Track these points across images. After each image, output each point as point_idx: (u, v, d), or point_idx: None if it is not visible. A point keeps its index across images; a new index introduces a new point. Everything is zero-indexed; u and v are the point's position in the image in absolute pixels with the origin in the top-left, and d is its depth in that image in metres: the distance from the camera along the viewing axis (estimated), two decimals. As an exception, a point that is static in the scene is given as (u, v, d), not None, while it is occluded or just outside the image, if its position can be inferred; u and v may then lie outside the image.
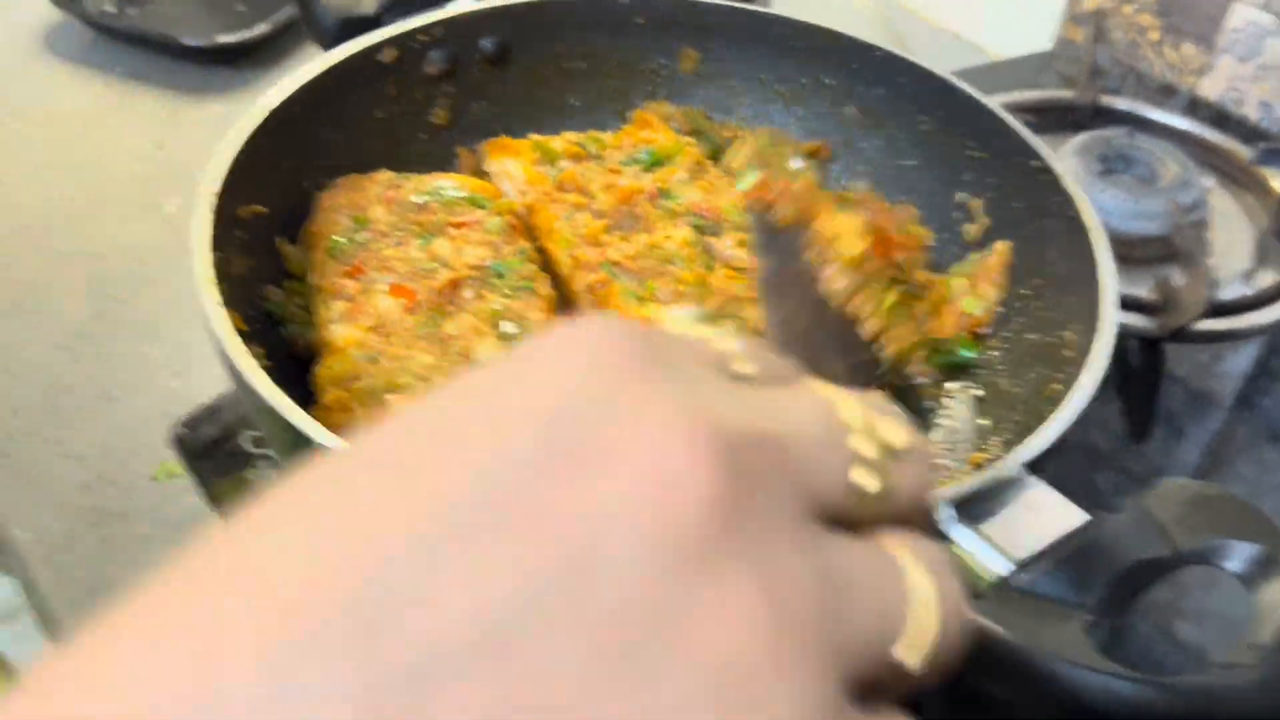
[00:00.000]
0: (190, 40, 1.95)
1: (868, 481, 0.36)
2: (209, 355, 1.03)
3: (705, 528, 0.29)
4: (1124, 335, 1.52)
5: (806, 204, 1.10)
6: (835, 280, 1.08)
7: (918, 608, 0.36)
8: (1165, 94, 2.04)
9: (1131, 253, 1.61)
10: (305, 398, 1.12)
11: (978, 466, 1.17)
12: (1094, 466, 1.47)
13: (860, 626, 0.34)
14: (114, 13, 2.04)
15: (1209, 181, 1.77)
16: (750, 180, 1.05)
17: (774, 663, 0.29)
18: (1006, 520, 0.97)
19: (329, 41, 1.39)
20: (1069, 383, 1.12)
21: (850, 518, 0.36)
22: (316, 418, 1.10)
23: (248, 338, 1.14)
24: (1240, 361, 1.60)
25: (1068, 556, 0.92)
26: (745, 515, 0.31)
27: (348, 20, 1.38)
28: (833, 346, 0.93)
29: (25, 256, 1.69)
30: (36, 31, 2.07)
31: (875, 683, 0.35)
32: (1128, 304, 1.51)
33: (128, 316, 1.64)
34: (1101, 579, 0.90)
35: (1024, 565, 0.93)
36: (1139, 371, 1.54)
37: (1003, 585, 0.89)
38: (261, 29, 1.95)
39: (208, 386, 1.51)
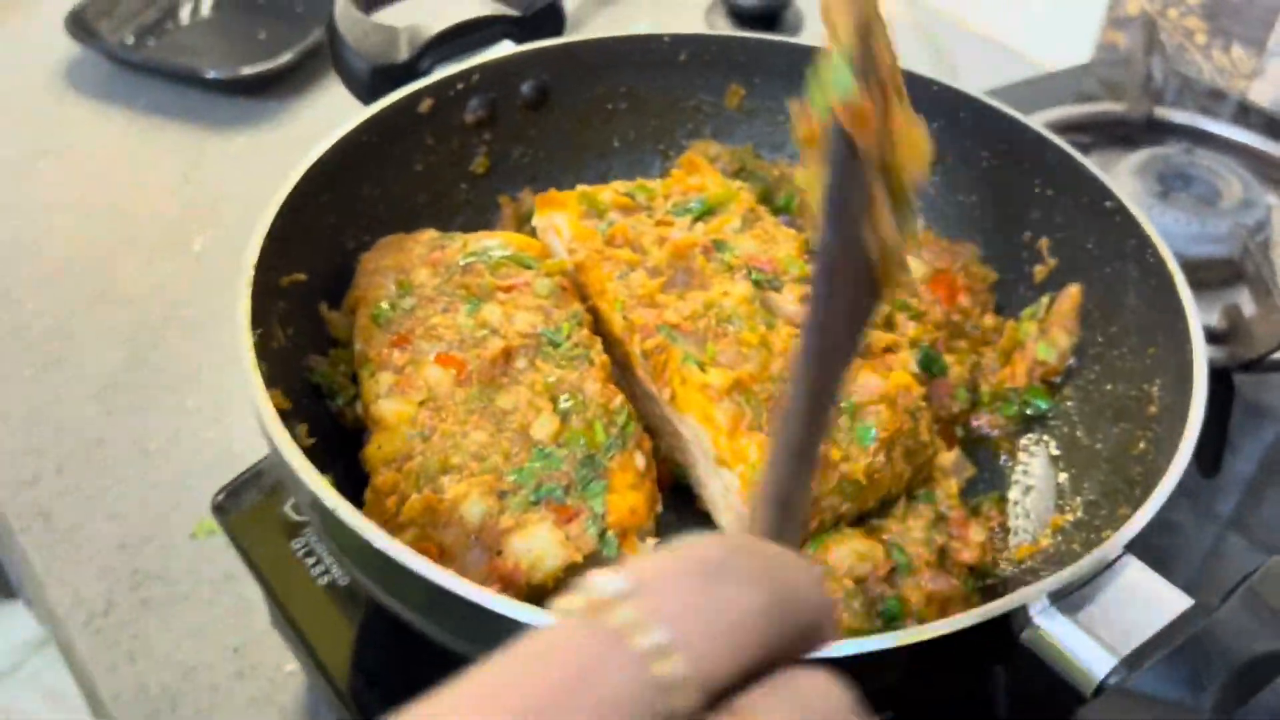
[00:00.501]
0: (213, 72, 1.91)
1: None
2: (246, 402, 0.99)
3: None
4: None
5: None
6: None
7: None
8: (1213, 99, 1.97)
9: (1195, 277, 1.53)
10: (355, 473, 1.07)
11: (1058, 530, 1.12)
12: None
13: None
14: (133, 45, 2.00)
15: (1272, 198, 1.70)
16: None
17: None
18: (1106, 609, 0.92)
19: (363, 91, 1.33)
20: (1158, 444, 1.07)
21: None
22: (369, 499, 1.06)
23: (292, 414, 1.10)
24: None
25: (1178, 649, 0.86)
26: None
27: (380, 68, 1.33)
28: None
29: (53, 305, 1.65)
30: (55, 67, 2.03)
31: None
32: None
33: (161, 363, 1.59)
34: (1217, 675, 0.85)
35: (1130, 661, 0.88)
36: (1208, 403, 1.48)
37: (1113, 688, 0.84)
38: (286, 58, 1.91)
39: (245, 436, 1.46)
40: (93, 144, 1.90)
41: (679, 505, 1.18)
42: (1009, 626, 0.87)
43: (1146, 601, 0.88)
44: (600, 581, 0.48)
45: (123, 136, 1.92)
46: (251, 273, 1.07)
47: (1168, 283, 1.12)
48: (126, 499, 1.43)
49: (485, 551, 0.97)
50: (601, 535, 0.99)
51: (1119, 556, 0.90)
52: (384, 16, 1.45)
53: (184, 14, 2.09)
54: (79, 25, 1.94)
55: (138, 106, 1.97)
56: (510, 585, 0.95)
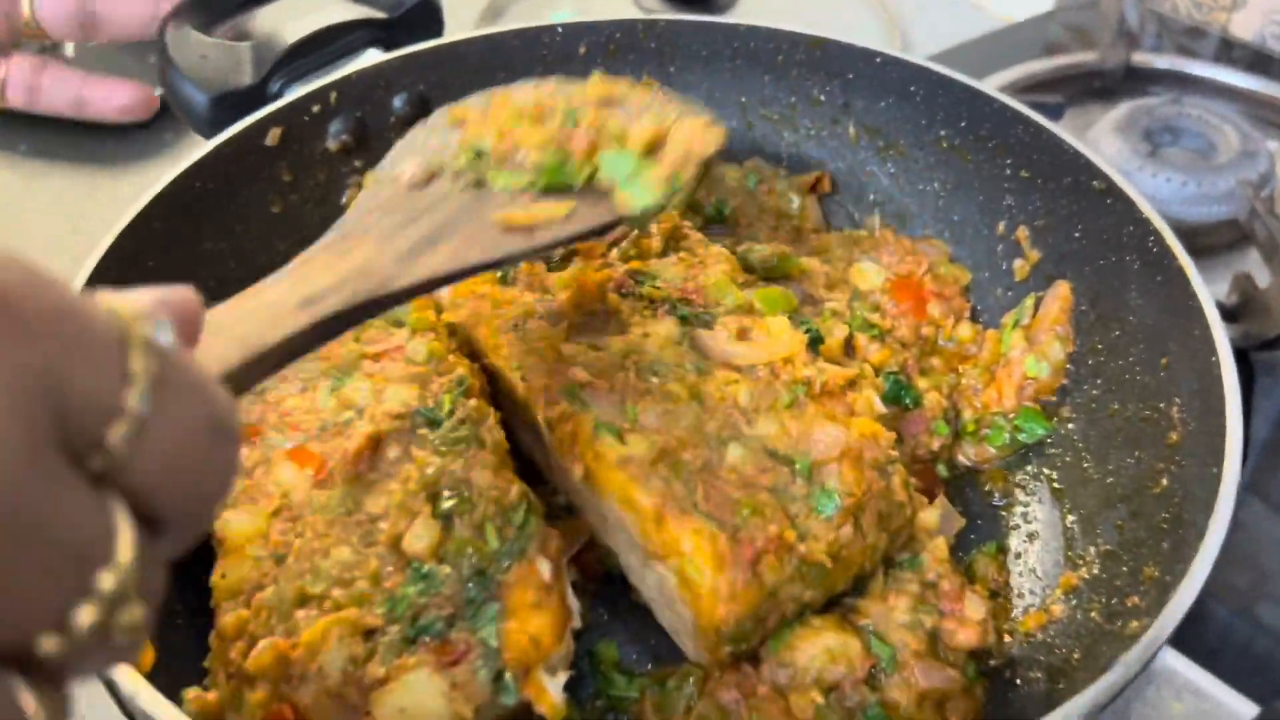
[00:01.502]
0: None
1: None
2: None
3: None
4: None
5: None
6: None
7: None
8: (1192, 37, 1.76)
9: (1198, 242, 1.34)
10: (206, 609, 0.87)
11: (1071, 592, 0.92)
12: None
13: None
14: (9, 88, 1.78)
15: (1273, 144, 1.50)
16: None
17: None
18: (1147, 730, 0.72)
19: (204, 125, 1.12)
20: (1184, 484, 0.86)
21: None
22: (214, 647, 0.85)
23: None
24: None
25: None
26: None
27: (222, 96, 1.11)
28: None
29: None
30: (-71, 115, 1.81)
31: None
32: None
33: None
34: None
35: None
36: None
37: None
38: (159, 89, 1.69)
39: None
40: (-29, 196, 1.69)
41: (613, 598, 0.97)
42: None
43: (1194, 714, 0.69)
44: None
45: (4, 185, 1.71)
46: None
47: (1177, 276, 0.92)
48: None
49: (351, 713, 0.76)
50: (497, 678, 0.78)
51: (1163, 659, 0.70)
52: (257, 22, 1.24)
53: (68, 47, 1.87)
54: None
55: (19, 151, 1.76)
56: (384, 762, 0.75)
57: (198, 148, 1.07)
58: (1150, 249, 0.96)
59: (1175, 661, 0.71)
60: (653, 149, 0.87)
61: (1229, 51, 1.73)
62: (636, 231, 1.06)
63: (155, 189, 1.00)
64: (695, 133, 0.88)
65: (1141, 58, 1.61)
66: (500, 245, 0.80)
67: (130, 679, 0.71)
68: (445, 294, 1.03)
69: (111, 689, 0.74)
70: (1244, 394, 1.26)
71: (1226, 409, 0.82)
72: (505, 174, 0.84)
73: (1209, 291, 0.90)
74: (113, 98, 1.33)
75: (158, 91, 1.36)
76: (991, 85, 1.16)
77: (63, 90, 1.32)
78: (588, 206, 0.83)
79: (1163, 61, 1.60)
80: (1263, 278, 1.23)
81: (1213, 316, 0.88)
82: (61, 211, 1.70)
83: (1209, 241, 1.35)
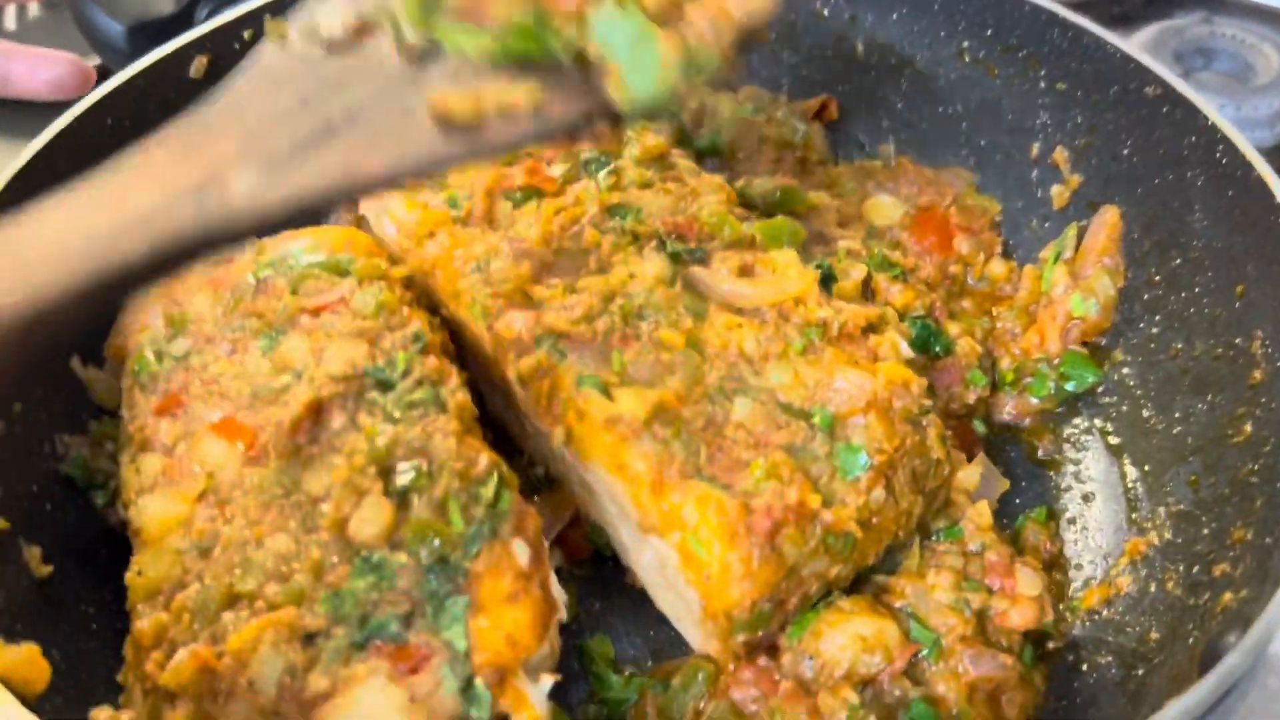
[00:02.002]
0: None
1: None
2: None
3: None
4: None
5: None
6: None
7: None
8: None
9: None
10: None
11: (1138, 559, 0.78)
12: None
13: None
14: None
15: (1316, 64, 1.37)
16: None
17: None
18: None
19: (122, 60, 0.98)
20: (1273, 425, 0.73)
21: None
22: (129, 658, 0.70)
23: (18, 533, 0.75)
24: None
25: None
26: None
27: (140, 26, 0.97)
28: None
29: None
30: None
31: None
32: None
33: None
34: None
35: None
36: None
37: None
38: (96, 59, 1.54)
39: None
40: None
41: (604, 583, 0.83)
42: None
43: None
44: None
45: None
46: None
47: (1255, 188, 0.80)
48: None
49: (290, 737, 0.62)
50: (466, 687, 0.64)
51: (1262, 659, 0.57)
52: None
53: (8, 17, 1.72)
54: None
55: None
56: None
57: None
58: (1219, 161, 0.83)
59: (1276, 660, 0.57)
60: (668, 12, 0.64)
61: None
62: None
63: (57, 126, 0.86)
64: None
65: (1160, -21, 1.47)
66: (423, 147, 0.61)
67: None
68: (392, 235, 0.89)
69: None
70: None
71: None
72: (464, 32, 0.64)
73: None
74: (39, 72, 1.15)
75: (94, 62, 1.19)
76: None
77: None
78: (559, 92, 0.63)
79: (1183, -18, 1.47)
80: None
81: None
82: None
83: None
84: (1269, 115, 1.21)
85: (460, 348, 0.85)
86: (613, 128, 0.64)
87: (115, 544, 0.81)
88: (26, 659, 0.62)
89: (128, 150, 0.56)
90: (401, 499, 0.70)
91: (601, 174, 0.91)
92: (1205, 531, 0.75)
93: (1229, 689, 0.55)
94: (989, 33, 0.99)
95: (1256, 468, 0.73)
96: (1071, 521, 0.85)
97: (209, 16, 1.00)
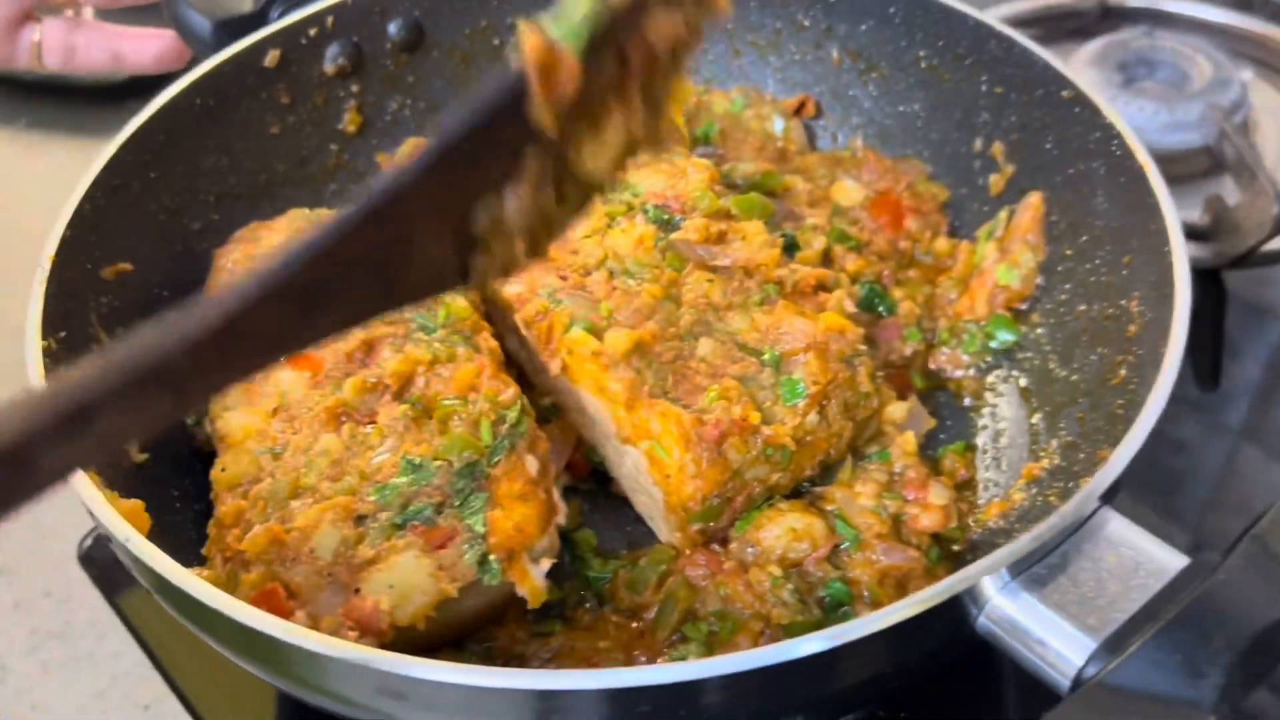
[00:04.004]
0: (97, 78, 1.73)
1: None
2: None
3: None
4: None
5: None
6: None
7: None
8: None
9: (1172, 170, 1.34)
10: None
11: (1033, 481, 0.95)
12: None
13: None
14: (9, 59, 1.82)
15: (1246, 74, 1.51)
16: None
17: None
18: (1081, 580, 0.74)
19: (207, 51, 1.16)
20: (1140, 370, 0.89)
21: None
22: (211, 534, 0.89)
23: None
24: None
25: (1171, 625, 0.69)
26: None
27: (225, 22, 1.16)
28: None
29: None
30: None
31: None
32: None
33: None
34: (1221, 656, 0.68)
35: (1113, 644, 0.71)
36: (1198, 309, 1.30)
37: (1091, 683, 0.67)
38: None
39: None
40: (-28, 170, 1.73)
41: (595, 492, 1.01)
42: (962, 612, 0.71)
43: (1130, 565, 0.71)
44: None
45: (3, 158, 1.75)
46: (49, 265, 0.90)
47: (1138, 176, 0.95)
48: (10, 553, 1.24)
49: (341, 591, 0.80)
50: (482, 561, 0.82)
51: (1094, 511, 0.73)
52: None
53: (88, 10, 1.91)
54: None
55: (19, 125, 1.79)
56: (369, 630, 0.79)
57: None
58: (1114, 153, 0.98)
59: (1113, 519, 0.73)
60: None
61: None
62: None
63: (158, 103, 1.04)
64: None
65: (1116, -3, 1.62)
66: None
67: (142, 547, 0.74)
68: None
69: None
70: (1217, 315, 1.30)
71: (1176, 291, 0.85)
72: None
73: (1165, 183, 0.93)
74: (147, 48, 1.32)
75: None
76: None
77: (99, 47, 1.31)
78: None
79: (1137, 0, 1.62)
80: (1233, 198, 1.25)
81: (1166, 205, 0.91)
82: (61, 181, 1.72)
83: (1183, 169, 1.37)
84: (1197, 118, 1.35)
85: (484, 299, 1.03)
86: None
87: (196, 451, 1.00)
88: (135, 509, 0.80)
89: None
90: (442, 420, 0.88)
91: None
92: (1082, 455, 0.91)
93: (1056, 542, 0.72)
94: (941, 43, 1.15)
95: (1123, 402, 0.89)
96: (984, 453, 1.02)
97: (280, 16, 1.18)
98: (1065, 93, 1.04)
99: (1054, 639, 0.69)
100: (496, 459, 0.87)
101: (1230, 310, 1.32)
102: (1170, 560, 0.71)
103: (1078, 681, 0.67)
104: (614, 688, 0.65)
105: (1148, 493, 1.15)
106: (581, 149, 0.58)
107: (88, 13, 1.94)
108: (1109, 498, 0.74)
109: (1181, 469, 1.18)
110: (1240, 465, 1.20)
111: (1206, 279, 1.30)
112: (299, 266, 0.53)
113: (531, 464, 0.88)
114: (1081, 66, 1.42)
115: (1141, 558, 0.72)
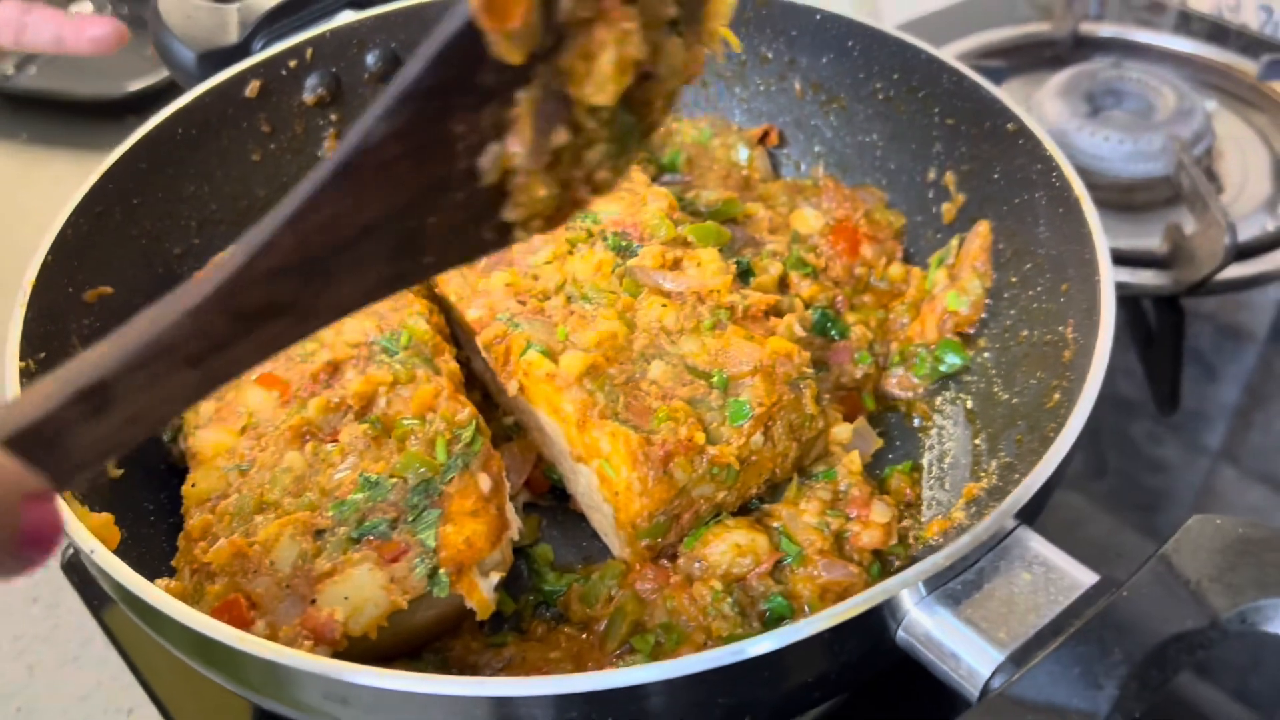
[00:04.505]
0: (97, 93, 1.79)
1: None
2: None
3: None
4: (1137, 296, 1.32)
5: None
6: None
7: None
8: (1153, 12, 1.82)
9: (1134, 199, 1.41)
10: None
11: (972, 501, 0.98)
12: (1127, 416, 1.27)
13: None
14: (11, 74, 1.87)
15: (1211, 104, 1.55)
16: None
17: None
18: (994, 595, 0.77)
19: (191, 80, 1.21)
20: (1070, 393, 0.93)
21: None
22: (181, 546, 0.93)
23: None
24: (1272, 291, 1.38)
25: (1073, 638, 0.73)
26: None
27: (209, 53, 1.21)
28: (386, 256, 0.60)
29: None
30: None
31: None
32: (1138, 259, 1.31)
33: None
34: (1118, 668, 0.71)
35: (1018, 657, 0.74)
36: (1158, 334, 1.34)
37: (994, 694, 0.71)
38: (168, 72, 1.78)
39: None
40: (-26, 182, 1.78)
41: (552, 509, 1.05)
42: (881, 624, 0.74)
43: (1042, 581, 0.75)
44: None
45: (5, 170, 1.80)
46: (29, 290, 0.95)
47: (1074, 205, 0.99)
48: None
49: (299, 602, 0.85)
50: (432, 574, 0.86)
51: (1012, 530, 0.77)
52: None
53: None
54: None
55: (20, 139, 1.84)
56: (324, 639, 0.83)
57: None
58: (1054, 183, 1.02)
59: (1029, 538, 0.77)
60: None
61: (1188, 24, 1.78)
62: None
63: (141, 131, 1.09)
64: None
65: (1089, 27, 1.67)
66: None
67: (105, 559, 0.78)
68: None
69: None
70: (1176, 341, 1.33)
71: (1101, 316, 0.89)
72: None
73: (1096, 212, 0.97)
74: (85, 33, 1.31)
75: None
76: (949, 53, 1.23)
77: (45, 27, 1.32)
78: None
79: (1109, 30, 1.66)
80: (1191, 228, 1.29)
81: (1096, 231, 0.95)
82: (60, 195, 1.76)
83: (1147, 198, 1.41)
84: (1160, 148, 1.39)
85: (450, 322, 1.08)
86: None
87: (171, 467, 1.04)
88: (105, 523, 0.85)
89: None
90: (401, 441, 0.92)
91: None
92: (1017, 475, 0.94)
93: (970, 561, 0.75)
94: (896, 76, 1.19)
95: (1055, 424, 0.92)
96: (929, 473, 1.05)
97: (263, 48, 1.22)
98: (1010, 125, 1.08)
99: (965, 652, 0.72)
100: (450, 476, 0.91)
101: (1206, 333, 1.35)
102: (1081, 577, 0.75)
103: (984, 692, 0.70)
104: (547, 694, 0.69)
105: (1128, 512, 1.18)
106: (582, 83, 0.54)
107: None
108: (1025, 517, 0.78)
109: (1161, 488, 1.22)
110: (1218, 485, 1.23)
111: (1165, 306, 1.34)
112: (274, 235, 0.53)
113: (484, 482, 0.93)
114: (1050, 96, 1.46)
115: (1054, 574, 0.75)
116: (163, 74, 1.76)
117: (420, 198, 0.56)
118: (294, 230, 0.54)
